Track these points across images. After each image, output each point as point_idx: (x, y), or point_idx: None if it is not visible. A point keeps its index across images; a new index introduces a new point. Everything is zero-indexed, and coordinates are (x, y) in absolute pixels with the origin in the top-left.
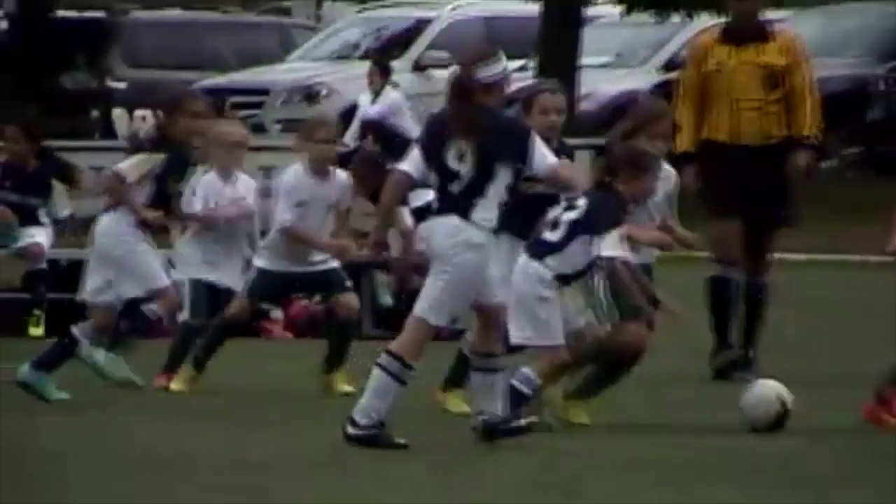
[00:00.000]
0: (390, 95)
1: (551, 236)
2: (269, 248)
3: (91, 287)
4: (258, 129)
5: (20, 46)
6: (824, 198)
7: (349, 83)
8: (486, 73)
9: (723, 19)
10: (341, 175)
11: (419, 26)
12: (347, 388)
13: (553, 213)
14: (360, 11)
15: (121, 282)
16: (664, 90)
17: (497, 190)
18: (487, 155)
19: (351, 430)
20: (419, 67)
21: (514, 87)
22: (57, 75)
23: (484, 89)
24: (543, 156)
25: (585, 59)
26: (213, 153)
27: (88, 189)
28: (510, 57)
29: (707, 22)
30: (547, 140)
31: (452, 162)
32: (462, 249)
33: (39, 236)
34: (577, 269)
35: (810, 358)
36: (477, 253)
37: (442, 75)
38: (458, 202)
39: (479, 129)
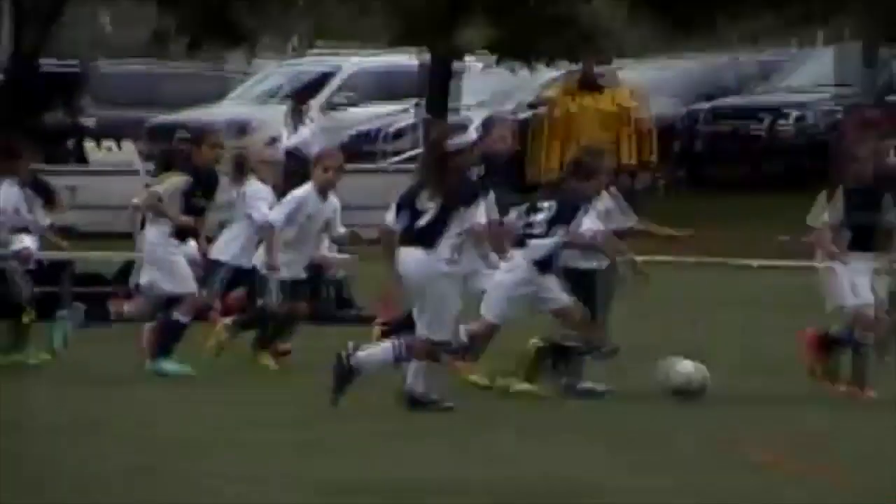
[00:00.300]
0: (303, 130)
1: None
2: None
3: (143, 282)
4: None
5: (10, 90)
6: (656, 210)
7: (273, 120)
8: (455, 142)
9: (577, 67)
10: (334, 198)
11: (327, 76)
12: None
13: (519, 219)
14: (280, 65)
15: (162, 280)
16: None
17: (454, 229)
18: (448, 204)
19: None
20: (329, 108)
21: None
22: (39, 113)
23: (454, 153)
24: (474, 214)
25: (465, 100)
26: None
27: (62, 207)
28: (400, 99)
29: (564, 69)
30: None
31: (420, 205)
32: (434, 278)
33: (29, 242)
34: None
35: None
36: (446, 278)
37: (345, 114)
38: (423, 237)
39: (444, 185)
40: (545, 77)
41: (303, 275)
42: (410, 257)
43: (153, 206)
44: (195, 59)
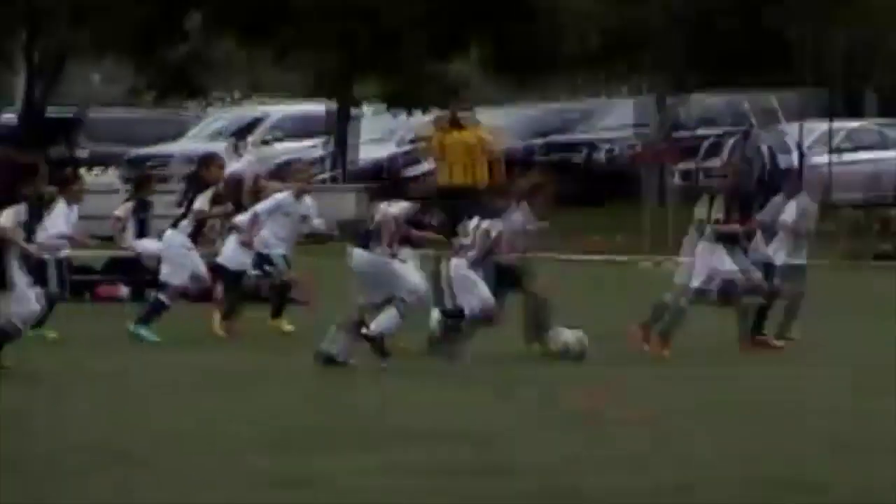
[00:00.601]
0: (242, 160)
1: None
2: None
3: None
4: (163, 180)
5: (24, 130)
6: None
7: (219, 152)
8: (410, 171)
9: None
10: (308, 200)
11: (259, 119)
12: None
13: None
14: (225, 111)
15: (180, 273)
16: (405, 155)
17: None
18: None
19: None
20: (261, 143)
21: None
22: (45, 148)
23: (408, 181)
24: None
25: (364, 136)
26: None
27: None
28: (313, 137)
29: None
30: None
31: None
32: (366, 268)
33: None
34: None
35: None
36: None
37: (273, 148)
38: (367, 239)
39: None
40: (418, 120)
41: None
42: (357, 254)
43: (202, 213)
44: (162, 107)
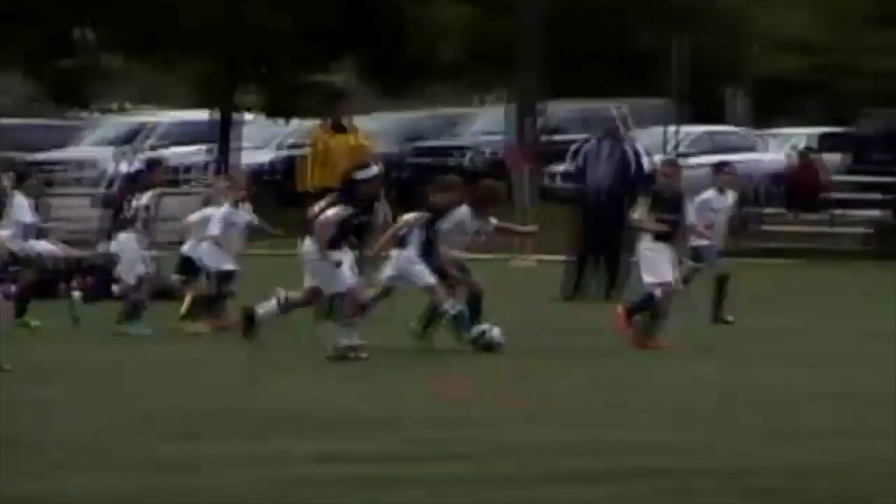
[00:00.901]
0: (133, 165)
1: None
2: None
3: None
4: (49, 183)
5: None
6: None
7: (107, 158)
8: (361, 174)
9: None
10: (247, 205)
11: (146, 126)
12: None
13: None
14: (113, 120)
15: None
16: (286, 160)
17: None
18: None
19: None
20: (147, 149)
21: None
22: None
23: (360, 183)
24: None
25: (244, 144)
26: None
27: None
28: (196, 144)
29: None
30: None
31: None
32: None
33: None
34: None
35: None
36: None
37: (164, 153)
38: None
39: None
40: (298, 126)
41: (231, 266)
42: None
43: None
44: (54, 117)
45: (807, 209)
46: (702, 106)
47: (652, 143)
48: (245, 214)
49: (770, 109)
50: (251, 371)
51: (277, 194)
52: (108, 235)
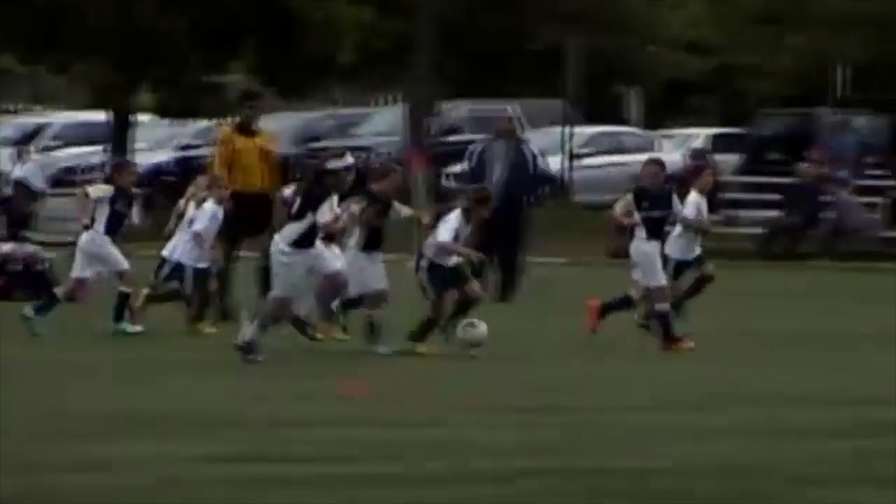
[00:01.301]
0: (27, 166)
1: None
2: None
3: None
4: None
5: None
6: None
7: (4, 158)
8: (331, 164)
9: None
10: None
11: (44, 127)
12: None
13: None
14: (10, 120)
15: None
16: (181, 161)
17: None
18: (303, 204)
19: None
20: (45, 149)
21: None
22: None
23: (327, 173)
24: (323, 212)
25: (139, 145)
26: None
27: None
28: (94, 144)
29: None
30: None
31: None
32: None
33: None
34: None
35: None
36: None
37: (57, 154)
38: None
39: (306, 190)
40: (196, 127)
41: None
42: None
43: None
44: None
45: None
46: (599, 106)
47: (549, 143)
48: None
49: (665, 110)
50: (150, 372)
51: (173, 195)
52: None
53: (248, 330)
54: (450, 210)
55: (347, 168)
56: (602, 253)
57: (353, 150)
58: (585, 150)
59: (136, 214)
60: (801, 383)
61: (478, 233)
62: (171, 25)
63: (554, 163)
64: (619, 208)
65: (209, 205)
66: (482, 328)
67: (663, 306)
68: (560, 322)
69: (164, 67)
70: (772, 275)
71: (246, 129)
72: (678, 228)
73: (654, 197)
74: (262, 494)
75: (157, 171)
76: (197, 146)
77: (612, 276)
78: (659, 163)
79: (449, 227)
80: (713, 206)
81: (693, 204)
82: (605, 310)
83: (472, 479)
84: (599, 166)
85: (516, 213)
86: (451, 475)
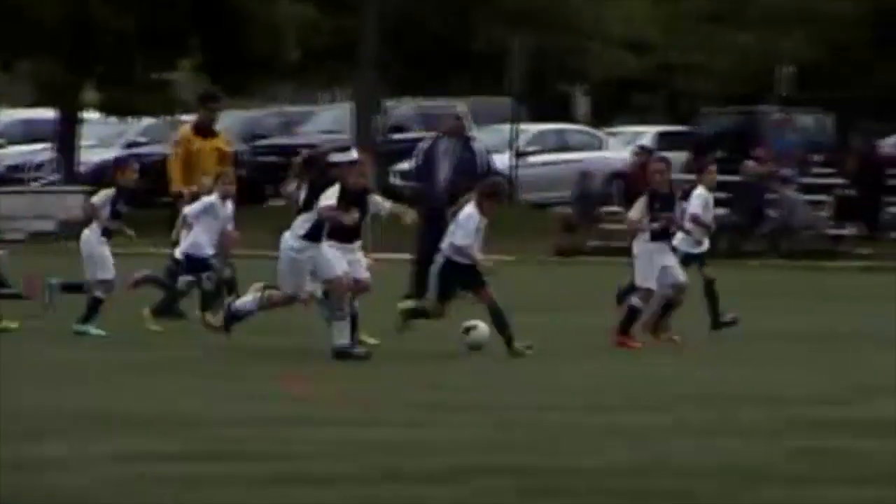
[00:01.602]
0: None
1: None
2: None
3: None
4: None
5: None
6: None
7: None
8: (334, 157)
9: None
10: (230, 204)
11: None
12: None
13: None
14: None
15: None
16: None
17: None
18: (312, 197)
19: None
20: None
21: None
22: None
23: (329, 166)
24: (327, 196)
25: (85, 142)
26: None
27: None
28: (40, 142)
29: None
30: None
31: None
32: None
33: None
34: None
35: None
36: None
37: (5, 151)
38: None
39: (311, 182)
40: (142, 125)
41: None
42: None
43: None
44: None
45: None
46: (547, 104)
47: (496, 141)
48: (228, 211)
49: (612, 108)
50: (106, 372)
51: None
52: None
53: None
54: (460, 207)
55: (352, 162)
56: (549, 251)
57: (297, 147)
58: (532, 148)
59: (80, 213)
60: (746, 382)
61: (421, 230)
62: (118, 24)
63: (501, 161)
64: (635, 214)
65: (211, 198)
66: (483, 328)
67: (638, 303)
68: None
69: (110, 65)
70: (717, 273)
71: (204, 131)
72: (688, 225)
73: (665, 198)
74: (207, 494)
75: (103, 169)
76: (143, 143)
77: (560, 274)
78: (665, 160)
79: (469, 228)
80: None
81: (699, 199)
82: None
83: (426, 477)
84: (546, 164)
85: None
86: (403, 474)
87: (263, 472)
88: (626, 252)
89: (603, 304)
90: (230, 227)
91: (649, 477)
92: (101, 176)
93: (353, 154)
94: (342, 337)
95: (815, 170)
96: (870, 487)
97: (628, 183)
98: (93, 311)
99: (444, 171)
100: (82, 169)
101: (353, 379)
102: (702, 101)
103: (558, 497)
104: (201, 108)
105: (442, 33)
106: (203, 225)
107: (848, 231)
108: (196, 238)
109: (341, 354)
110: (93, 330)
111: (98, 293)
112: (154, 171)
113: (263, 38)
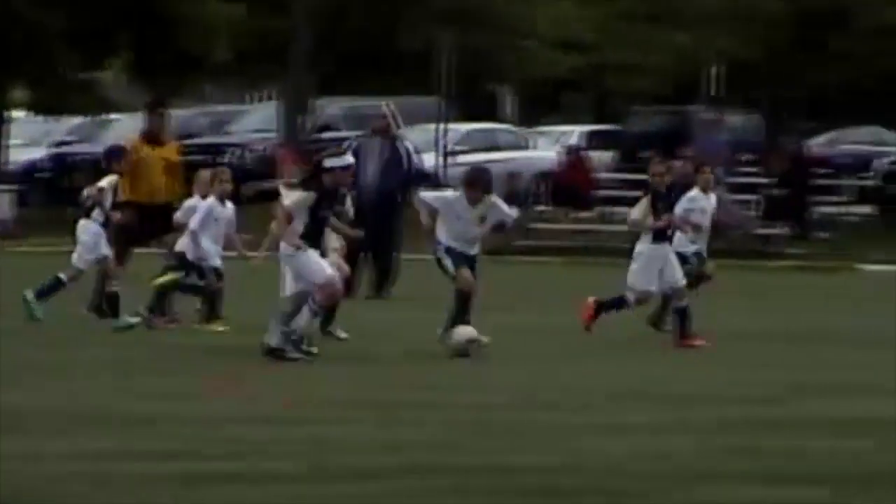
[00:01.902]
0: None
1: None
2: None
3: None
4: None
5: None
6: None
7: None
8: (329, 162)
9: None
10: (230, 204)
11: None
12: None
13: None
14: None
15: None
16: (56, 158)
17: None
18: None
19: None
20: None
21: None
22: None
23: (325, 171)
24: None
25: (13, 141)
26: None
27: None
28: None
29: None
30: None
31: None
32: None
33: None
34: None
35: None
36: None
37: None
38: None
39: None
40: (70, 124)
41: (219, 262)
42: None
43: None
44: None
45: (576, 207)
46: (475, 104)
47: (423, 140)
48: (229, 211)
49: (539, 107)
50: (46, 370)
51: (48, 191)
52: None
53: (273, 335)
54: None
55: (345, 167)
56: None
57: (227, 147)
58: (460, 148)
59: (8, 212)
60: (682, 381)
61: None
62: (46, 22)
63: (428, 160)
64: (638, 214)
65: (210, 201)
66: (461, 330)
67: (631, 301)
68: (434, 319)
69: (38, 64)
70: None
71: (152, 139)
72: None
73: (666, 199)
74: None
75: (31, 168)
76: (71, 143)
77: (488, 273)
78: (664, 162)
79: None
80: (586, 204)
81: (689, 200)
82: (600, 308)
83: (335, 476)
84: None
85: (390, 211)
86: (312, 472)
87: (172, 470)
88: (555, 252)
89: (531, 303)
90: (233, 229)
91: (582, 476)
92: (28, 176)
93: (349, 159)
94: (276, 337)
95: (744, 169)
96: (802, 486)
97: (557, 182)
98: (51, 289)
99: (371, 170)
100: (10, 168)
101: (266, 377)
102: (630, 100)
103: (475, 496)
104: (150, 114)
105: (370, 32)
106: (207, 231)
107: (778, 231)
108: (206, 247)
109: (274, 352)
110: (39, 311)
111: (62, 274)
112: (83, 169)
113: (192, 38)
